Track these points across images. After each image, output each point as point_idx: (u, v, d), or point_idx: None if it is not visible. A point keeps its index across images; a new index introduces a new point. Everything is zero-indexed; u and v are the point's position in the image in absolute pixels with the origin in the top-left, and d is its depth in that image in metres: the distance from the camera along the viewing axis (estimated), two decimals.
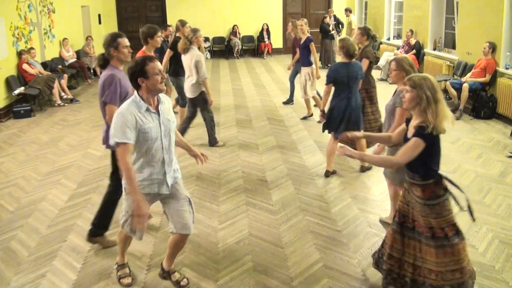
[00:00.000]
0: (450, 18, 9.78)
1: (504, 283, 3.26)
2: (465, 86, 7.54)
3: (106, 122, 3.54)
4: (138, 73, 2.74)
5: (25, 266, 3.59)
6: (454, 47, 9.46)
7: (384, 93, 6.33)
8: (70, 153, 6.32)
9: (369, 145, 5.51)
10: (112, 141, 2.74)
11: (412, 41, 10.43)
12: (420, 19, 10.60)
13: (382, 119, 4.69)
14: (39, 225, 4.26)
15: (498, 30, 7.49)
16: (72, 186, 5.13)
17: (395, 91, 3.86)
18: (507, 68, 7.40)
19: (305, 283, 3.34)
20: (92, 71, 11.93)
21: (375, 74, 7.53)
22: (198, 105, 6.09)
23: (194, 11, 15.19)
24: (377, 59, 11.06)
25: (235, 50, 15.16)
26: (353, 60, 4.93)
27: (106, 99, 3.42)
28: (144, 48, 5.02)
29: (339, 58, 5.14)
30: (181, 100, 6.99)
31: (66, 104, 9.24)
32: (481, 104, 7.53)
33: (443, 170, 2.97)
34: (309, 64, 7.43)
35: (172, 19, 15.09)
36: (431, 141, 2.72)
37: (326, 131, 5.19)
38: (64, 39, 11.14)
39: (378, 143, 4.30)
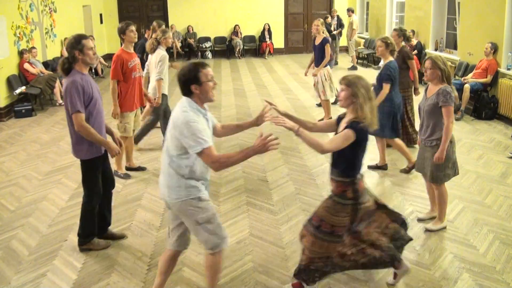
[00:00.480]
0: (452, 19, 9.77)
1: (505, 284, 3.26)
2: (467, 87, 7.54)
3: (74, 132, 3.42)
4: (192, 80, 2.66)
5: (25, 266, 3.60)
6: (455, 48, 9.46)
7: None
8: (71, 152, 6.28)
9: (407, 144, 5.66)
10: (195, 150, 2.57)
11: (414, 42, 10.42)
12: (422, 20, 10.59)
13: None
14: (40, 224, 4.27)
15: (499, 30, 7.49)
16: (73, 186, 5.13)
17: (426, 90, 3.88)
18: (508, 69, 7.39)
19: None
20: (93, 70, 11.95)
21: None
22: (162, 104, 5.90)
23: (196, 11, 15.21)
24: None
25: (237, 50, 15.15)
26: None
27: (70, 109, 3.32)
28: (122, 45, 5.03)
29: (387, 58, 5.15)
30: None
31: None
32: (483, 105, 7.53)
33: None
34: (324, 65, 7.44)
35: (173, 19, 15.13)
36: (361, 136, 2.83)
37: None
38: (66, 38, 11.14)
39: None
